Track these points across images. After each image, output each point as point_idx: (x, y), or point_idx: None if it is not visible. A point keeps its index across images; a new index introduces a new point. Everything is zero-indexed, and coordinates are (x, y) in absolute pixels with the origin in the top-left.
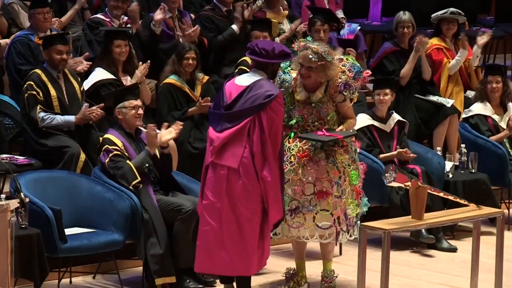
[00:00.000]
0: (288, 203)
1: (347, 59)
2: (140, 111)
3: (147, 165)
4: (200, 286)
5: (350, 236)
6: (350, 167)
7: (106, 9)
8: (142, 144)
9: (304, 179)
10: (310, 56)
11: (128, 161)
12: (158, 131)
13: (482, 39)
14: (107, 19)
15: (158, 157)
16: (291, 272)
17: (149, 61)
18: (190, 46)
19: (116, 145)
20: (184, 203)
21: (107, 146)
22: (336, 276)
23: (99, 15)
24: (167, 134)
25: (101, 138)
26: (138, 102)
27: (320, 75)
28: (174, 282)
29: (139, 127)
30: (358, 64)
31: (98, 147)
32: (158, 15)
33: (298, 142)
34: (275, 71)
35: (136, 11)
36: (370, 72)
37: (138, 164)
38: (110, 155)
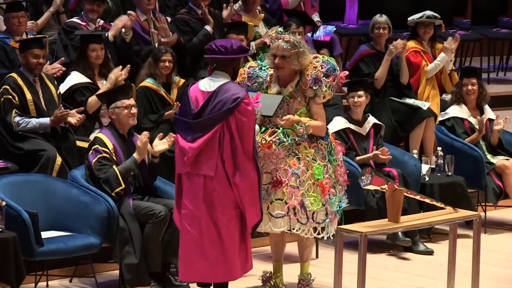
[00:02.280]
0: None
1: (322, 57)
2: (134, 110)
3: (132, 173)
4: None
5: (319, 234)
6: (316, 162)
7: (82, 12)
8: (132, 147)
9: (264, 170)
10: (283, 44)
11: (114, 167)
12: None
13: (452, 45)
14: (83, 23)
15: (147, 164)
16: (267, 275)
17: (128, 66)
18: (166, 48)
19: (106, 146)
20: (157, 207)
21: (97, 146)
22: (313, 279)
23: (74, 19)
24: (161, 144)
25: (93, 136)
26: (131, 102)
27: (294, 63)
28: None
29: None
30: (333, 62)
31: (89, 144)
32: (126, 22)
33: (266, 135)
34: (237, 70)
35: (123, 22)
36: (347, 72)
37: (124, 170)
38: (98, 156)
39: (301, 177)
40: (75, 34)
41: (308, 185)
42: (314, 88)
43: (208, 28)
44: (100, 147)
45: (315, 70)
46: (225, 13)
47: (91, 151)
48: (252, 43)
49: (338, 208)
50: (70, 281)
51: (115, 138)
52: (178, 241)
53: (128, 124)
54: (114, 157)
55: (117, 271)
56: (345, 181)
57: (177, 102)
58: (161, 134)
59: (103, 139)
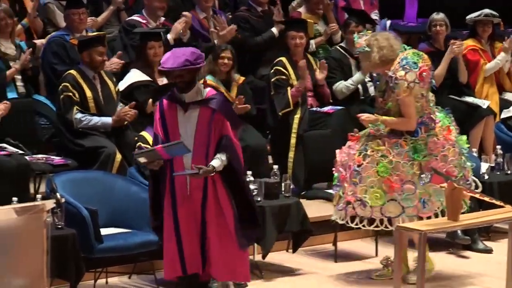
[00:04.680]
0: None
1: (412, 52)
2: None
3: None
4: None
5: (377, 227)
6: (386, 158)
7: (143, 10)
8: None
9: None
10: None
11: None
12: None
13: (510, 44)
14: (144, 21)
15: None
16: (388, 260)
17: None
18: (226, 46)
19: (148, 143)
20: None
21: (140, 143)
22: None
23: (135, 17)
24: None
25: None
26: None
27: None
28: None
29: None
30: (412, 57)
31: (134, 143)
32: (182, 23)
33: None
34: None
35: (182, 24)
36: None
37: None
38: None
39: (363, 173)
40: (135, 31)
41: (370, 182)
42: (391, 84)
43: (275, 30)
44: (143, 145)
45: (394, 66)
46: (276, 11)
47: (135, 150)
48: (312, 41)
49: (411, 204)
50: (129, 277)
51: None
52: None
53: None
54: None
55: None
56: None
57: (240, 96)
58: None
59: (146, 137)
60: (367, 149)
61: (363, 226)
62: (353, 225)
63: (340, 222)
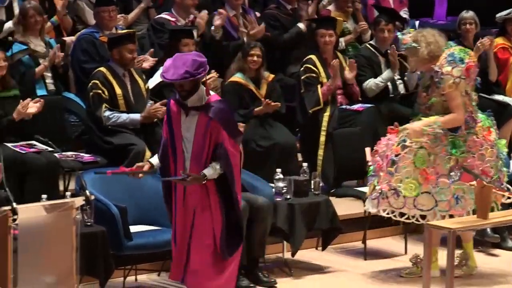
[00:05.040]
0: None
1: (457, 48)
2: None
3: None
4: (252, 285)
5: (418, 220)
6: (423, 150)
7: (172, 8)
8: None
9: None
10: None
11: None
12: None
13: None
14: (172, 19)
15: None
16: (417, 259)
17: (217, 74)
18: (256, 43)
19: None
20: None
21: None
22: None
23: (163, 15)
24: None
25: None
26: None
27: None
28: None
29: None
30: (459, 53)
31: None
32: (216, 21)
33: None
34: None
35: (204, 19)
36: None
37: None
38: None
39: (400, 163)
40: (167, 28)
41: (406, 172)
42: (436, 79)
43: (301, 25)
44: None
45: (440, 61)
46: (310, 9)
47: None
48: (341, 39)
49: (445, 199)
50: (159, 275)
51: None
52: (263, 235)
53: None
54: None
55: None
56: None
57: (267, 100)
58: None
59: None
60: (406, 140)
61: (394, 216)
62: (384, 214)
63: (372, 211)
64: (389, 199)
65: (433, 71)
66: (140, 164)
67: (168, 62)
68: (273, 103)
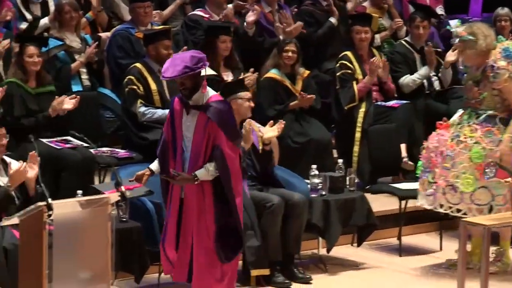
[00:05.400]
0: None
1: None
2: (252, 104)
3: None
4: (287, 281)
5: (465, 214)
6: (479, 145)
7: (205, 5)
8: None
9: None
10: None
11: None
12: (260, 126)
13: None
14: (206, 15)
15: (260, 152)
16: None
17: (256, 73)
18: (291, 39)
19: None
20: (270, 198)
21: None
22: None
23: (197, 12)
24: (270, 132)
25: None
26: (250, 95)
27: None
28: (267, 275)
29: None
30: None
31: None
32: (250, 17)
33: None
34: None
35: (231, 15)
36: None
37: None
38: None
39: (456, 159)
40: (204, 25)
41: (462, 167)
42: (491, 73)
43: (333, 20)
44: None
45: (494, 55)
46: (349, 5)
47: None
48: (377, 36)
49: (501, 193)
50: None
51: None
52: (298, 231)
53: (245, 116)
54: None
55: (240, 262)
56: None
57: (302, 93)
58: (272, 122)
59: None
60: (460, 135)
61: (451, 212)
62: (441, 210)
63: (428, 207)
64: (446, 195)
65: (484, 65)
66: (140, 172)
67: (167, 63)
68: (308, 96)
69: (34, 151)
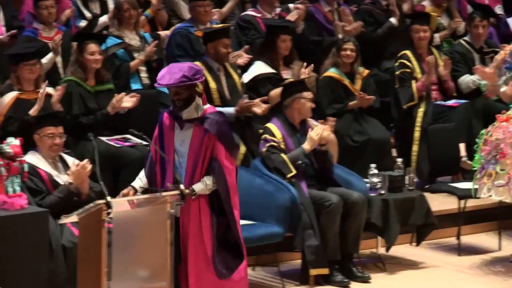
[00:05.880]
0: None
1: None
2: (313, 105)
3: (300, 162)
4: (346, 280)
5: None
6: None
7: (257, 4)
8: (305, 138)
9: (493, 139)
10: None
11: (282, 154)
12: (318, 125)
13: None
14: (258, 14)
15: (316, 152)
16: None
17: (312, 65)
18: (349, 38)
19: (274, 136)
20: (328, 197)
21: (266, 135)
22: None
23: (249, 12)
24: (325, 131)
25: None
26: (312, 95)
27: None
28: (326, 274)
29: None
30: None
31: (260, 135)
32: (294, 15)
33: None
34: None
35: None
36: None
37: (292, 159)
38: (267, 145)
39: None
40: (266, 24)
41: None
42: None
43: (393, 20)
44: (269, 137)
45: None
46: (405, 6)
47: (261, 141)
48: (436, 35)
49: None
50: (253, 269)
51: (285, 128)
52: (357, 230)
53: (306, 115)
54: (283, 146)
55: (300, 261)
56: None
57: (361, 93)
58: (322, 121)
59: (272, 129)
60: None
61: None
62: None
63: (497, 198)
64: None
65: None
66: (125, 191)
67: (163, 70)
68: (367, 97)
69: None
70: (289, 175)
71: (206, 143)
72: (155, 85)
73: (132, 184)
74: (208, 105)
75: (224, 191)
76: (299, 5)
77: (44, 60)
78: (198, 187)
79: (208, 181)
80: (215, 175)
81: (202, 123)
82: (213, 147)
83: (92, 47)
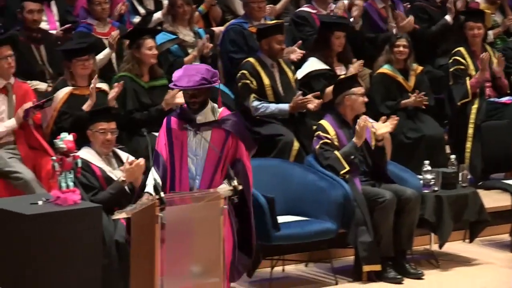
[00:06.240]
0: None
1: None
2: (365, 99)
3: (352, 157)
4: (399, 277)
5: None
6: None
7: (312, 0)
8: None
9: None
10: None
11: (336, 151)
12: (373, 121)
13: None
14: (313, 11)
15: (373, 148)
16: None
17: (362, 61)
18: (402, 34)
19: (327, 133)
20: (382, 193)
21: (319, 132)
22: None
23: (304, 8)
24: (383, 127)
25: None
26: (363, 90)
27: None
28: (379, 270)
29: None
30: None
31: (313, 131)
32: (354, 11)
33: None
34: None
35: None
36: None
37: (345, 154)
38: (320, 142)
39: None
40: (322, 21)
41: None
42: None
43: (448, 18)
44: (322, 134)
45: None
46: (459, 3)
47: (314, 138)
48: (490, 32)
49: None
50: (306, 266)
51: (338, 124)
52: (410, 227)
53: (359, 111)
54: (336, 143)
55: (352, 257)
56: None
57: (416, 94)
58: (384, 117)
59: (325, 126)
60: None
61: None
62: None
63: None
64: None
65: None
66: (144, 199)
67: (178, 72)
68: (421, 99)
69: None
70: (342, 172)
71: (229, 144)
72: (171, 85)
73: (146, 190)
74: (222, 108)
75: (247, 191)
76: (358, 1)
77: (100, 56)
78: (223, 189)
79: (234, 182)
80: (240, 176)
81: (220, 125)
82: (236, 148)
83: (150, 42)
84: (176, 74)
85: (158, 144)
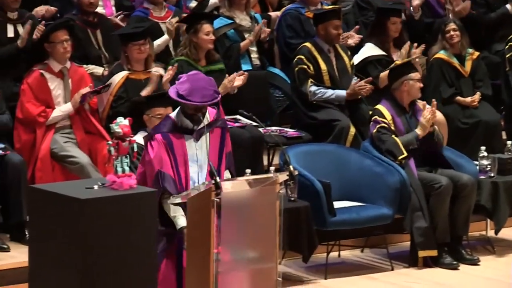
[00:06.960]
0: None
1: None
2: (421, 85)
3: (411, 147)
4: (455, 262)
5: None
6: None
7: None
8: (414, 119)
9: None
10: None
11: (393, 136)
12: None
13: None
14: None
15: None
16: None
17: (423, 45)
18: (450, 19)
19: (384, 117)
20: (438, 179)
21: (376, 117)
22: None
23: None
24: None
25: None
26: (420, 75)
27: None
28: (435, 256)
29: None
30: None
31: (369, 116)
32: (415, 1)
33: None
34: None
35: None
36: None
37: (405, 142)
38: (378, 126)
39: None
40: (376, 6)
41: None
42: None
43: (509, 7)
44: (379, 118)
45: None
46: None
47: (371, 122)
48: None
49: None
50: (362, 251)
51: (395, 110)
52: (466, 213)
53: (416, 96)
54: (393, 128)
55: (408, 243)
56: None
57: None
58: (424, 102)
59: (382, 111)
60: None
61: None
62: None
63: None
64: None
65: None
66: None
67: (185, 85)
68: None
69: None
70: (400, 157)
71: (226, 140)
72: (179, 100)
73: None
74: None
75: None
76: None
77: (158, 42)
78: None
79: (227, 175)
80: (231, 168)
81: (215, 126)
82: (228, 141)
83: (207, 27)
84: (183, 87)
85: (157, 163)
